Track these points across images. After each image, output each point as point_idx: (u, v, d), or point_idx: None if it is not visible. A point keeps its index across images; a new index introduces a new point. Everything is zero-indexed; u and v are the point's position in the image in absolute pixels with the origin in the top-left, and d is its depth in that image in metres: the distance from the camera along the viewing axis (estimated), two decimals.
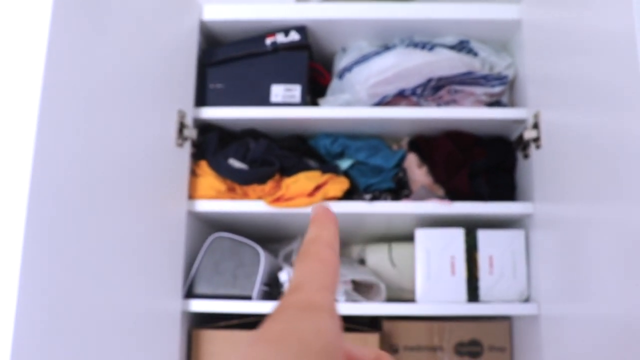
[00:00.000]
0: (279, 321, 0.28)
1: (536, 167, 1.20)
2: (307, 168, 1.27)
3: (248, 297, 1.22)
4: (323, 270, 0.33)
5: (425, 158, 1.30)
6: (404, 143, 1.34)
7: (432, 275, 1.21)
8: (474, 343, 1.33)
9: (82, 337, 0.84)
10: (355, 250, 1.58)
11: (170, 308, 1.15)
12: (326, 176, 1.24)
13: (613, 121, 0.86)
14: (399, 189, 1.29)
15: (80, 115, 0.84)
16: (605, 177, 0.88)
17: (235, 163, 1.25)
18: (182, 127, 1.20)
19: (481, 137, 1.34)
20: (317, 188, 1.22)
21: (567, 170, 1.04)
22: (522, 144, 1.25)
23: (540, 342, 1.16)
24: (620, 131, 0.84)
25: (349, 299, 1.24)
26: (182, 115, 1.20)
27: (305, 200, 1.21)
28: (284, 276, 1.25)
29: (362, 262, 1.42)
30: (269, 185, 1.24)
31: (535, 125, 1.18)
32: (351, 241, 1.59)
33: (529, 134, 1.20)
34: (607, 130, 0.88)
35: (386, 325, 1.33)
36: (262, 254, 1.24)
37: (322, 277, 0.32)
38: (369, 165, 1.29)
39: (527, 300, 1.22)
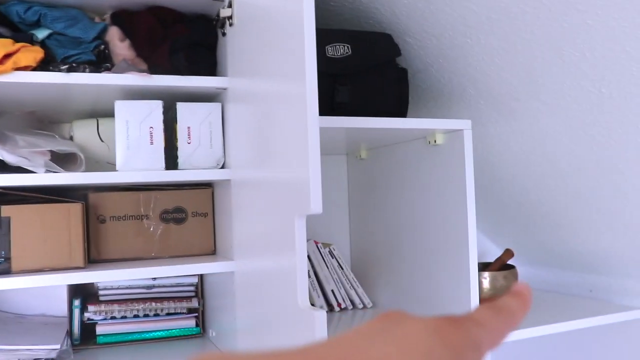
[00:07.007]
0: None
1: (230, 44, 1.29)
2: None
3: None
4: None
5: (128, 32, 1.31)
6: (107, 17, 1.33)
7: (132, 145, 1.27)
8: (179, 210, 1.43)
9: None
10: (65, 128, 1.56)
11: None
12: (19, 45, 1.20)
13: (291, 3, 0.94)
14: (101, 62, 1.30)
15: None
16: (284, 56, 0.98)
17: None
18: None
19: (184, 13, 1.39)
20: (7, 56, 1.18)
21: (255, 48, 1.13)
22: (220, 22, 1.33)
23: (230, 206, 1.29)
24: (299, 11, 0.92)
25: (49, 170, 1.24)
26: None
27: None
28: None
29: (72, 138, 1.41)
30: None
31: (230, 4, 1.26)
32: (61, 119, 1.57)
33: (224, 12, 1.28)
34: (287, 11, 0.96)
35: (92, 197, 1.37)
36: None
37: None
38: (67, 36, 1.27)
39: (222, 167, 1.34)
